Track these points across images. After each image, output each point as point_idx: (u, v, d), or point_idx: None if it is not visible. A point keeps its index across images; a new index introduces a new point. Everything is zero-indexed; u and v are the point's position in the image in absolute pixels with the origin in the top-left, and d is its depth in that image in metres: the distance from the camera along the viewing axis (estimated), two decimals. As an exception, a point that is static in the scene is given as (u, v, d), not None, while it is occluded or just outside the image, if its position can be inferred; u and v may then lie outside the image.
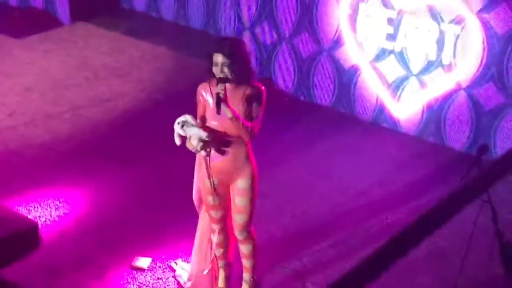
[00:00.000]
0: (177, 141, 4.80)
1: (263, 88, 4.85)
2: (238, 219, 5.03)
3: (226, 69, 4.67)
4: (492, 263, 4.42)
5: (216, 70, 4.70)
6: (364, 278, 1.95)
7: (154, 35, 9.95)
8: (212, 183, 4.94)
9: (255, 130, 4.77)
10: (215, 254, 5.28)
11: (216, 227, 5.16)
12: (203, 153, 4.80)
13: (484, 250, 5.23)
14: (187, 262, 5.64)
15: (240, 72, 4.70)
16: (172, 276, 5.60)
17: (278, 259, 5.74)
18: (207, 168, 4.91)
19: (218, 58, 4.66)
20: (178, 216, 6.19)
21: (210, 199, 5.03)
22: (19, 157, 7.10)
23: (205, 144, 4.71)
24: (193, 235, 5.94)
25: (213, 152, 4.85)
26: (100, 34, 9.91)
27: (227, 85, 4.69)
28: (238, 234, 5.09)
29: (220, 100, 4.60)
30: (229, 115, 4.64)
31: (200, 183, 5.08)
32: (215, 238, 5.21)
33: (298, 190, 6.72)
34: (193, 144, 4.71)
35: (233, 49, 4.67)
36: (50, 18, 10.48)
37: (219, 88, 4.61)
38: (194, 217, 6.09)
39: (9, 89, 8.48)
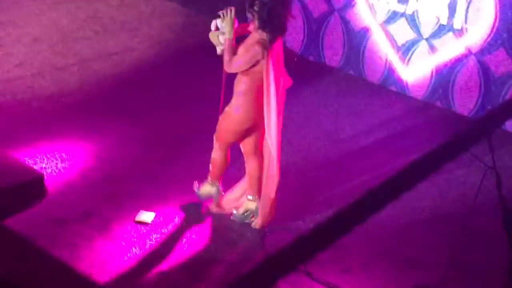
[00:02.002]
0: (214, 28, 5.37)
1: (258, 48, 5.23)
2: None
3: (252, 11, 5.30)
4: (495, 228, 4.44)
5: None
6: (337, 231, 1.97)
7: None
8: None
9: (230, 67, 5.35)
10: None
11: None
12: (219, 50, 5.34)
13: (487, 215, 5.26)
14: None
15: (263, 19, 5.21)
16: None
17: (281, 218, 5.77)
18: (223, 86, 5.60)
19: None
20: (184, 171, 6.21)
21: None
22: (26, 108, 7.11)
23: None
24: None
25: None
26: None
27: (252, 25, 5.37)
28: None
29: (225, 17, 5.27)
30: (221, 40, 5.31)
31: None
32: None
33: (303, 151, 6.72)
34: (220, 40, 5.32)
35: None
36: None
37: (232, 11, 5.26)
38: (199, 173, 6.13)
39: (17, 40, 8.46)
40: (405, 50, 7.55)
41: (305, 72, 8.01)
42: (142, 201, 5.90)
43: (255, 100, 5.42)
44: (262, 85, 5.33)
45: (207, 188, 5.89)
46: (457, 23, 7.09)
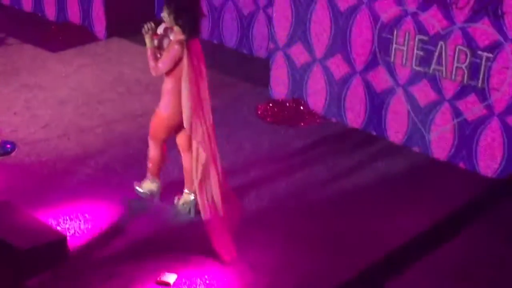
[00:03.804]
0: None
1: (177, 46, 5.92)
2: None
3: (168, 19, 6.00)
4: None
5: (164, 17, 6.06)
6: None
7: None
8: None
9: (157, 70, 6.04)
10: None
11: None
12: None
13: None
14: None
15: (179, 22, 5.93)
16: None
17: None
18: None
19: (165, 10, 5.99)
20: (205, 233, 6.20)
21: None
22: (51, 169, 7.18)
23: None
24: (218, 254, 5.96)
25: None
26: (135, 50, 10.01)
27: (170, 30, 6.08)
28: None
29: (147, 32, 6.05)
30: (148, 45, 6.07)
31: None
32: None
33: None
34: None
35: (177, 5, 5.93)
36: (86, 33, 10.63)
37: (152, 26, 6.06)
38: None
39: (44, 102, 8.60)
40: (427, 111, 7.57)
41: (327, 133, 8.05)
42: (164, 262, 5.88)
43: (180, 98, 6.01)
44: None
45: (147, 185, 6.55)
46: (480, 83, 7.11)
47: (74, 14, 10.85)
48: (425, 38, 7.40)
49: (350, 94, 8.20)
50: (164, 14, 6.01)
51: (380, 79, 7.88)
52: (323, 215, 6.63)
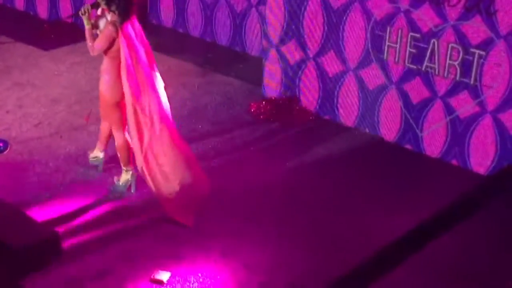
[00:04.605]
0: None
1: (111, 27, 6.27)
2: None
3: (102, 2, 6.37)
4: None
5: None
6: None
7: (181, 51, 10.04)
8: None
9: (93, 49, 6.40)
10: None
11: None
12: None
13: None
14: None
15: (112, 5, 6.29)
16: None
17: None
18: None
19: None
20: (199, 231, 6.21)
21: None
22: (44, 168, 7.17)
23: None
24: (214, 252, 5.98)
25: None
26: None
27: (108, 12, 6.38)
28: None
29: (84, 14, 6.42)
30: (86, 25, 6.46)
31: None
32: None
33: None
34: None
35: None
36: (78, 31, 10.59)
37: (88, 8, 6.41)
38: (216, 234, 6.13)
39: (36, 100, 8.58)
40: (420, 108, 7.58)
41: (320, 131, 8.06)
42: (158, 260, 5.89)
43: (117, 77, 6.37)
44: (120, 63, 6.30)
45: (124, 177, 6.78)
46: (472, 80, 7.12)
47: (66, 12, 10.82)
48: (417, 35, 7.41)
49: (343, 92, 8.21)
50: None
51: (373, 76, 7.89)
52: (316, 213, 6.64)
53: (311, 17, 8.18)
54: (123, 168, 6.79)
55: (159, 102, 6.31)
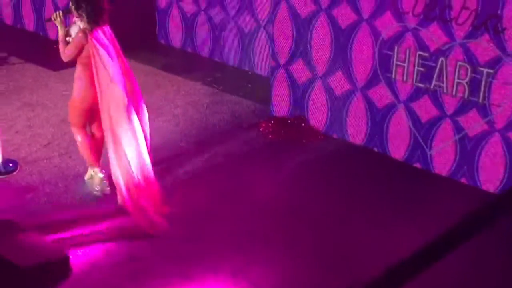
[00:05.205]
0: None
1: (80, 34, 6.46)
2: None
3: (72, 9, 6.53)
4: None
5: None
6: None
7: (189, 71, 10.08)
8: None
9: (64, 55, 6.60)
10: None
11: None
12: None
13: None
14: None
15: (81, 13, 6.44)
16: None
17: None
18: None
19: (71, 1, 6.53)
20: (207, 252, 6.20)
21: None
22: (53, 188, 7.18)
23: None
24: (221, 270, 5.97)
25: None
26: (137, 69, 10.03)
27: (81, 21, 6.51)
28: None
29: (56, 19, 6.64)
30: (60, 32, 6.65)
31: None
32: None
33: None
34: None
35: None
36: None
37: (60, 14, 6.63)
38: (224, 254, 6.12)
39: (46, 121, 8.62)
40: (429, 127, 7.57)
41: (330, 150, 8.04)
42: (166, 280, 5.87)
43: (89, 83, 6.57)
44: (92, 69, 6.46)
45: (89, 173, 7.07)
46: (481, 99, 7.12)
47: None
48: (425, 54, 7.42)
49: (351, 111, 8.21)
50: (70, 5, 6.57)
51: (381, 95, 7.89)
52: (324, 231, 6.62)
53: (319, 37, 8.20)
54: (88, 167, 7.09)
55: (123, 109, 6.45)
